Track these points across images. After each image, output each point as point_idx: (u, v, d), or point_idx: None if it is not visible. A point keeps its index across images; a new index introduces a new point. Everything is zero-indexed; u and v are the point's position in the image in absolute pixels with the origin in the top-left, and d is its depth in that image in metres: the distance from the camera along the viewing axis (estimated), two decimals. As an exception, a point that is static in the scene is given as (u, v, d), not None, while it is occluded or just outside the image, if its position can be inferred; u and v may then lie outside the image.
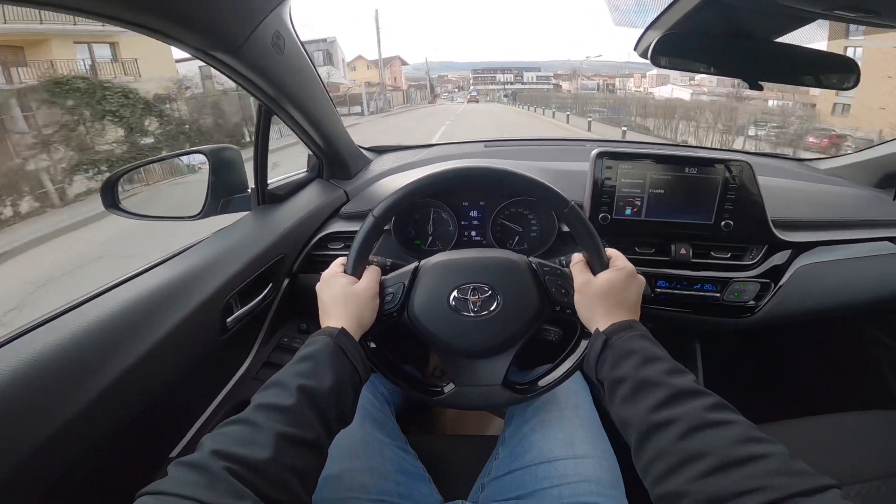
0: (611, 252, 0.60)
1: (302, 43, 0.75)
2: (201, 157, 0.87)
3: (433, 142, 1.27)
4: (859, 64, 0.67)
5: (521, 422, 0.71)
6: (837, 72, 0.67)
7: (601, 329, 0.53)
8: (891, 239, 0.96)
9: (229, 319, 0.76)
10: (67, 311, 0.57)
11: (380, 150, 1.23)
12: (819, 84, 0.70)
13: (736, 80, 0.75)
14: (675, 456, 0.38)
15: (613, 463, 0.65)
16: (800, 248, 0.89)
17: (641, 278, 0.58)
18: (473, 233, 0.92)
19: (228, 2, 0.53)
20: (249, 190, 0.91)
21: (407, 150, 1.27)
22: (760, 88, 0.68)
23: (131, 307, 0.60)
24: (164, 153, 0.90)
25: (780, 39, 0.66)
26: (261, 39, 0.61)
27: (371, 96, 28.14)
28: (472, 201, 0.91)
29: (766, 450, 0.35)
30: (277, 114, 0.82)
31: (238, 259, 0.78)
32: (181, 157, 0.95)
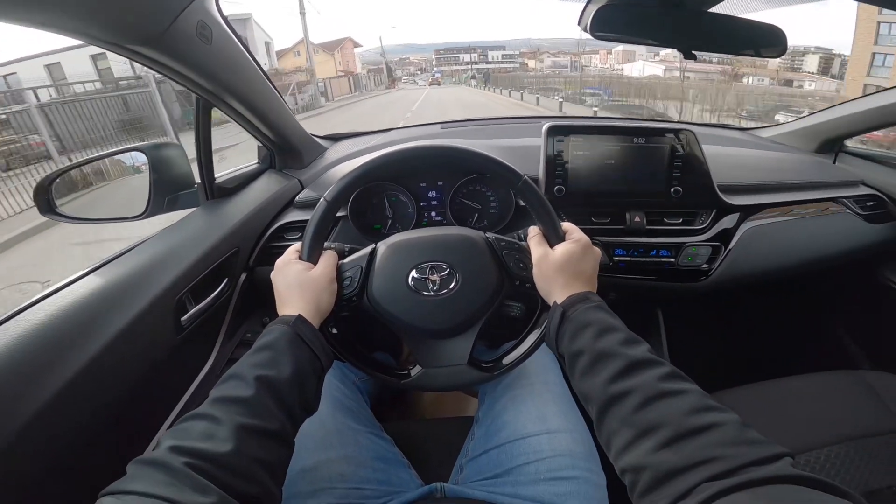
0: (567, 225, 0.60)
1: (235, 32, 0.72)
2: (141, 156, 0.84)
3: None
4: (786, 34, 0.70)
5: (492, 400, 0.71)
6: (766, 41, 0.69)
7: (558, 302, 0.53)
8: (833, 199, 1.01)
9: (184, 318, 0.73)
10: (8, 318, 0.54)
11: (335, 138, 1.21)
12: (748, 53, 0.72)
13: (725, 56, 0.76)
14: (632, 428, 0.38)
15: (586, 435, 0.65)
16: (747, 212, 0.93)
17: (597, 250, 0.59)
18: (433, 213, 0.91)
19: None
20: (196, 185, 0.88)
21: (364, 135, 1.25)
22: (694, 58, 0.70)
23: (76, 310, 0.58)
24: (99, 152, 0.85)
25: (713, 10, 0.68)
26: (183, 30, 0.58)
27: (301, 87, 21.47)
28: (429, 182, 0.90)
29: (718, 419, 0.36)
30: (217, 106, 0.79)
31: (187, 256, 0.75)
32: (124, 156, 0.91)
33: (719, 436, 0.34)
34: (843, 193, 1.02)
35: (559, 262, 0.55)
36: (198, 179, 0.88)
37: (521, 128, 1.18)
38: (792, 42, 0.75)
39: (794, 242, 0.96)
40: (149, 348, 0.67)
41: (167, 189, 0.84)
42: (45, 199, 0.78)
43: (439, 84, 64.66)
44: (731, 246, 0.90)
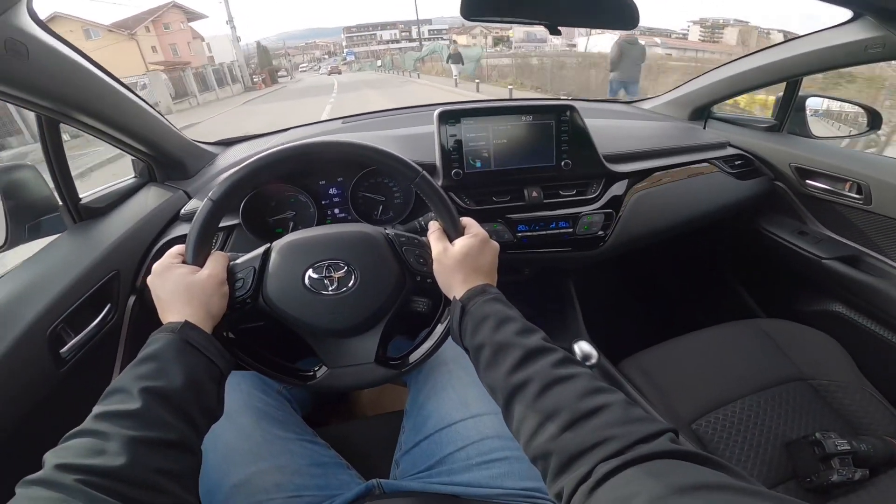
0: (466, 220, 0.61)
1: (69, 44, 0.65)
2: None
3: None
4: (638, 8, 0.75)
5: (416, 391, 0.71)
6: (619, 15, 0.74)
7: (458, 296, 0.54)
8: (707, 161, 1.12)
9: (63, 350, 0.66)
10: None
11: (228, 143, 1.13)
12: (607, 26, 0.77)
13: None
14: (535, 416, 0.40)
15: None
16: (634, 178, 1.00)
17: (495, 244, 0.60)
18: (336, 210, 0.89)
19: None
20: (60, 208, 0.79)
21: (260, 137, 1.18)
22: (559, 33, 0.74)
23: None
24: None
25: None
26: None
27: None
28: (328, 179, 0.87)
29: (606, 400, 0.38)
30: (63, 122, 0.70)
31: (55, 284, 0.67)
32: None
33: (608, 417, 0.36)
34: (714, 155, 1.13)
35: (458, 257, 0.56)
36: (59, 202, 0.78)
37: (420, 116, 1.18)
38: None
39: (676, 203, 1.05)
40: (26, 386, 0.61)
41: (26, 216, 0.74)
42: None
43: (340, 72, 50.28)
44: (621, 211, 0.96)
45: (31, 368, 0.61)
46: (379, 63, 52.97)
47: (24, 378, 0.60)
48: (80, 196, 0.80)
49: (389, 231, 0.61)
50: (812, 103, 1.20)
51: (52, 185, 0.78)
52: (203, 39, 43.38)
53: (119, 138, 0.80)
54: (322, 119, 1.28)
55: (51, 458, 0.36)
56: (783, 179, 1.19)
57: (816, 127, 1.20)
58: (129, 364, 0.80)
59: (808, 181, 1.13)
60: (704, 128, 1.24)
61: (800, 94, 1.13)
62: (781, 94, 1.14)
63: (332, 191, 0.88)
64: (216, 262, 0.55)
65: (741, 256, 1.38)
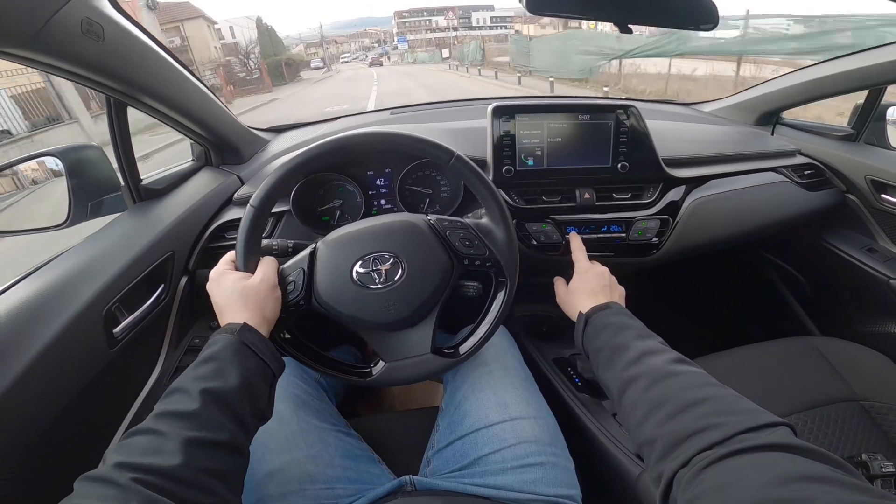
0: (581, 261, 0.71)
1: (141, 27, 0.67)
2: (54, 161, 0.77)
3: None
4: (717, 7, 0.70)
5: (453, 389, 0.70)
6: (700, 15, 0.70)
7: (583, 311, 0.61)
8: (774, 169, 1.05)
9: (116, 330, 0.68)
10: None
11: (279, 130, 1.15)
12: (684, 26, 0.72)
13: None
14: (643, 406, 0.43)
15: (551, 421, 0.66)
16: (693, 184, 0.94)
17: (600, 268, 0.69)
18: (383, 201, 0.88)
19: None
20: (122, 188, 0.82)
21: (309, 126, 1.20)
22: (630, 31, 0.70)
23: None
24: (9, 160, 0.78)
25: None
26: (63, 29, 0.53)
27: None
28: (376, 169, 0.87)
29: (713, 392, 0.40)
30: (130, 104, 0.73)
31: (113, 263, 0.69)
32: (36, 161, 0.84)
33: (716, 406, 0.38)
34: (782, 163, 1.06)
35: (577, 288, 0.66)
36: (122, 182, 0.81)
37: (471, 110, 1.16)
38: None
39: (738, 212, 0.99)
40: (79, 365, 0.62)
41: (89, 194, 0.78)
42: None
43: (381, 65, 45.11)
44: (678, 218, 0.91)
45: (85, 347, 0.63)
46: (445, 54, 42.21)
47: (78, 357, 0.62)
48: (142, 177, 0.82)
49: (431, 217, 0.60)
50: (894, 114, 1.10)
51: (115, 165, 0.81)
52: (213, 23, 32.62)
53: (181, 122, 0.82)
54: (370, 109, 1.28)
55: (112, 456, 0.37)
56: (856, 192, 1.10)
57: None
58: (175, 348, 0.83)
59: (883, 195, 1.05)
60: (773, 134, 1.16)
61: (882, 102, 1.05)
62: (862, 101, 1.06)
63: (380, 181, 0.88)
64: (266, 268, 0.56)
65: (799, 270, 1.30)
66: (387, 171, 0.87)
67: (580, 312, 0.61)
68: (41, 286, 0.62)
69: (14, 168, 0.82)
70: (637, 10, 0.70)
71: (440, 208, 0.88)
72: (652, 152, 0.88)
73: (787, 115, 1.22)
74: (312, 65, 45.72)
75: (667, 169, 0.89)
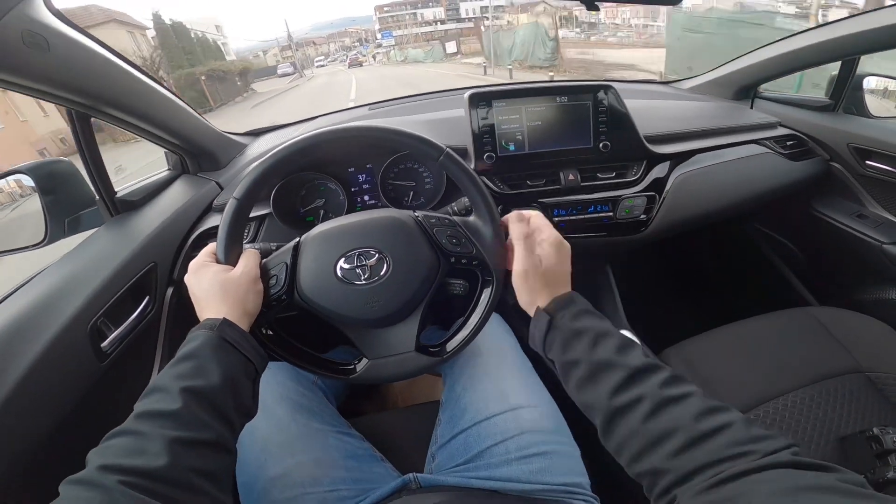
0: (529, 214, 0.56)
1: (91, 36, 0.65)
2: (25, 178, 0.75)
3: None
4: None
5: (452, 382, 0.69)
6: None
7: (542, 307, 0.50)
8: (756, 141, 1.05)
9: (104, 344, 0.67)
10: None
11: (256, 133, 1.14)
12: (648, 1, 0.73)
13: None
14: (644, 437, 0.39)
15: (552, 408, 0.64)
16: (677, 159, 0.94)
17: (568, 245, 0.54)
18: (366, 197, 0.87)
19: None
20: (97, 202, 0.80)
21: (288, 127, 1.18)
22: (597, 9, 0.70)
23: None
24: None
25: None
26: (3, 42, 0.51)
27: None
28: (357, 166, 0.86)
29: (726, 420, 0.37)
30: (94, 116, 0.71)
31: (94, 278, 0.68)
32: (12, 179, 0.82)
33: (731, 436, 0.36)
34: (764, 135, 1.07)
35: (548, 272, 0.51)
36: (96, 196, 0.80)
37: (449, 100, 1.16)
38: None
39: (724, 185, 0.99)
40: (70, 381, 0.61)
41: (64, 211, 0.76)
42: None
43: (360, 65, 39.97)
44: (665, 194, 0.91)
45: (73, 363, 0.62)
46: (452, 48, 32.52)
47: (68, 372, 0.61)
48: (116, 190, 0.81)
49: (419, 213, 0.58)
50: (870, 83, 1.11)
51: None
52: (144, 29, 25.87)
53: (150, 131, 0.81)
54: (350, 106, 1.27)
55: (94, 458, 0.36)
56: (840, 160, 1.11)
57: (875, 106, 1.11)
58: (168, 358, 0.82)
59: (868, 162, 1.06)
60: (752, 107, 1.17)
61: (857, 72, 1.06)
62: (836, 72, 1.07)
63: (362, 178, 0.86)
64: (248, 260, 0.54)
65: (793, 241, 1.30)
66: (368, 166, 0.86)
67: (538, 308, 0.51)
68: (22, 306, 0.60)
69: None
70: None
71: (424, 200, 0.87)
72: (633, 130, 0.87)
73: (765, 88, 1.23)
74: (280, 71, 38.84)
75: (649, 146, 0.89)
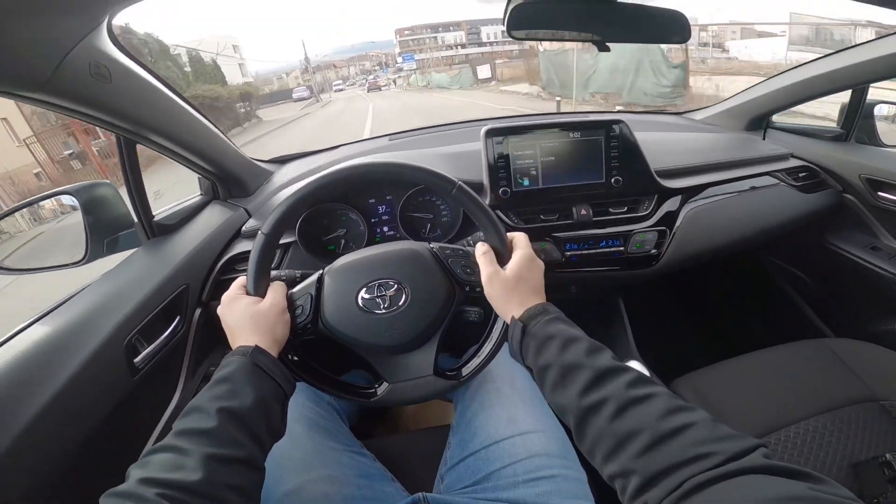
0: (513, 235, 0.61)
1: (145, 66, 0.70)
2: (70, 199, 0.80)
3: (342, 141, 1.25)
4: (688, 18, 0.73)
5: (463, 407, 0.71)
6: (671, 29, 0.72)
7: (516, 316, 0.54)
8: (768, 173, 1.07)
9: (137, 359, 0.71)
10: None
11: (282, 161, 1.19)
12: (657, 40, 0.75)
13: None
14: (611, 437, 0.40)
15: (560, 433, 0.66)
16: (688, 193, 0.96)
17: (540, 262, 0.60)
18: (385, 228, 0.91)
19: (16, 40, 0.48)
20: (135, 224, 0.85)
21: (311, 155, 1.24)
22: (608, 49, 0.73)
23: (22, 362, 0.57)
24: (25, 199, 0.81)
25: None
26: (73, 72, 0.56)
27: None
28: (377, 197, 0.90)
29: (690, 419, 0.37)
30: (139, 142, 0.76)
31: (132, 297, 0.73)
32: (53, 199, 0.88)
33: (695, 435, 0.36)
34: (776, 167, 1.07)
35: (510, 280, 0.56)
36: (135, 219, 0.85)
37: (467, 132, 1.19)
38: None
39: (735, 218, 1.00)
40: (104, 393, 0.65)
41: (105, 231, 0.81)
42: (-23, 253, 0.74)
43: (379, 89, 38.19)
44: (675, 228, 0.93)
45: (109, 376, 0.66)
46: (485, 73, 25.07)
47: (104, 385, 0.65)
48: (154, 214, 0.86)
49: (434, 245, 0.62)
50: (881, 110, 1.12)
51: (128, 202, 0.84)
52: None
53: (188, 157, 0.86)
54: (367, 137, 1.32)
55: (135, 471, 0.38)
56: (852, 192, 1.11)
57: (887, 135, 1.12)
58: (193, 375, 0.85)
59: (880, 193, 1.05)
60: (764, 138, 1.18)
61: (868, 100, 1.06)
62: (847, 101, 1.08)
63: (382, 209, 0.90)
64: (276, 292, 0.58)
65: (806, 273, 1.30)
66: (388, 198, 0.90)
67: (513, 317, 0.54)
68: (66, 320, 0.65)
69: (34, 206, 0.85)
70: (614, 28, 0.73)
71: (441, 232, 0.90)
72: (644, 165, 0.90)
73: (777, 118, 1.24)
74: (295, 95, 36.66)
75: (660, 181, 0.91)
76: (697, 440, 0.35)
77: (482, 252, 0.60)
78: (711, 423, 0.37)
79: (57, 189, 0.80)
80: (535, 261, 0.59)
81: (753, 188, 1.03)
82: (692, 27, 0.72)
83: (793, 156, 1.12)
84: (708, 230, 0.96)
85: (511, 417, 0.66)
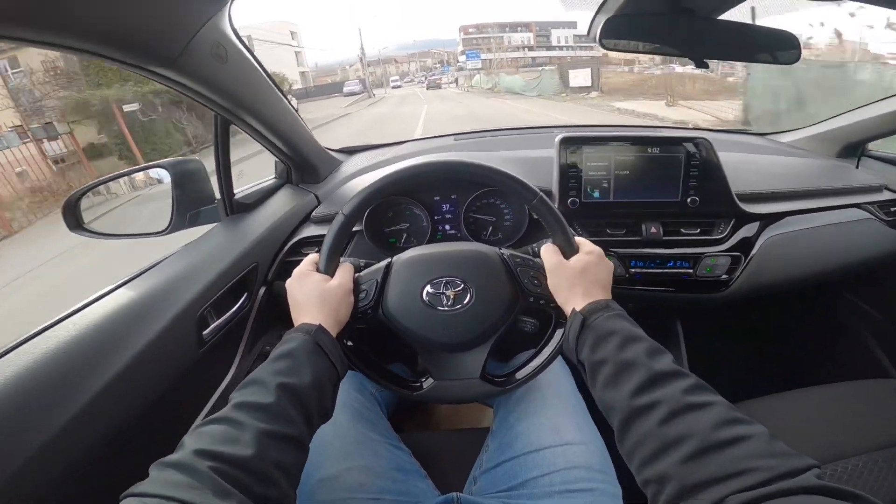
0: (579, 240, 0.61)
1: (250, 49, 0.74)
2: (163, 172, 0.86)
3: (405, 138, 1.27)
4: (800, 39, 0.69)
5: (506, 412, 0.72)
6: (781, 46, 0.68)
7: (577, 309, 0.53)
8: (857, 205, 0.99)
9: (206, 332, 0.75)
10: (35, 335, 0.56)
11: (350, 151, 1.23)
12: (764, 59, 0.71)
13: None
14: (657, 441, 0.38)
15: (601, 447, 0.65)
16: (768, 220, 0.91)
17: (610, 263, 0.59)
18: (447, 226, 0.92)
19: (155, 18, 0.52)
20: (217, 201, 0.91)
21: (377, 148, 1.27)
22: (706, 66, 0.70)
23: (103, 326, 0.59)
24: (122, 169, 0.88)
25: (724, 16, 0.68)
26: (198, 51, 0.60)
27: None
28: (443, 195, 0.91)
29: (746, 431, 0.35)
30: (234, 123, 0.81)
31: (209, 271, 0.77)
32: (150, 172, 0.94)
33: (747, 448, 0.34)
34: (867, 199, 0.99)
35: (576, 270, 0.56)
36: (218, 195, 0.90)
37: (535, 138, 1.18)
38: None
39: (817, 251, 0.94)
40: (173, 362, 0.68)
41: (189, 205, 0.86)
42: (74, 215, 0.81)
43: (439, 87, 36.08)
44: (751, 256, 0.88)
45: (180, 345, 0.69)
46: (582, 80, 19.02)
47: (174, 352, 0.68)
48: (235, 192, 0.91)
49: (505, 251, 0.62)
50: None
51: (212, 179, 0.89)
52: None
53: (273, 141, 0.90)
54: (433, 135, 1.33)
55: (190, 441, 0.39)
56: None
57: None
58: (250, 350, 0.87)
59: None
60: (857, 167, 1.09)
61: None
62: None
63: (446, 207, 0.91)
64: (345, 273, 0.60)
65: (884, 312, 1.20)
66: (453, 197, 0.90)
67: (574, 310, 0.54)
68: (148, 287, 0.69)
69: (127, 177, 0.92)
70: (714, 45, 0.70)
71: (503, 236, 0.90)
72: (724, 186, 0.85)
73: (874, 146, 1.15)
74: (345, 89, 32.59)
75: (741, 204, 0.87)
76: (749, 454, 0.33)
77: (547, 246, 0.61)
78: (769, 438, 0.35)
79: (153, 162, 0.86)
80: (605, 259, 0.59)
81: (841, 221, 0.96)
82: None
83: (887, 188, 1.03)
84: (786, 261, 0.91)
85: (554, 427, 0.66)
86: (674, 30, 0.66)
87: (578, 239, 0.61)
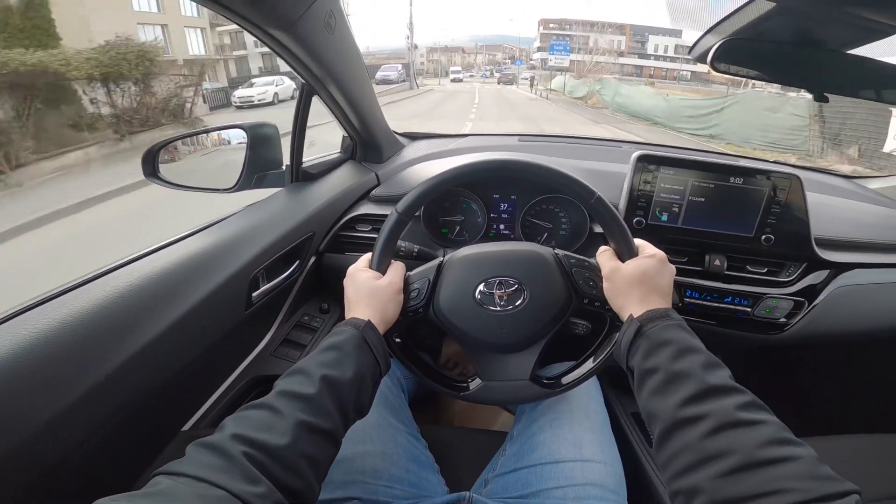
0: (639, 242, 0.59)
1: (346, 23, 0.74)
2: (234, 133, 0.88)
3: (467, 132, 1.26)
4: None
5: (530, 420, 0.72)
6: None
7: (635, 315, 0.52)
8: None
9: (255, 294, 0.77)
10: (96, 277, 0.58)
11: (413, 136, 1.23)
12: (888, 99, 0.66)
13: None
14: (697, 453, 0.37)
15: (619, 469, 0.65)
16: (840, 269, 0.86)
17: (672, 267, 0.57)
18: (502, 226, 0.91)
19: None
20: (284, 167, 0.93)
21: (440, 138, 1.26)
22: (826, 100, 0.65)
23: (160, 277, 0.60)
24: (204, 126, 0.90)
25: (854, 51, 0.62)
26: (314, 18, 0.61)
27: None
28: (503, 194, 0.90)
29: (793, 452, 0.34)
30: (319, 93, 0.82)
31: (268, 234, 0.79)
32: (220, 132, 0.97)
33: (790, 469, 0.33)
34: None
35: (634, 275, 0.54)
36: (286, 161, 0.92)
37: (602, 151, 1.14)
38: None
39: (886, 308, 0.88)
40: (222, 319, 0.70)
41: (258, 167, 0.89)
42: (151, 164, 0.85)
43: (511, 83, 32.37)
44: (815, 303, 0.84)
45: (230, 303, 0.71)
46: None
47: (224, 311, 0.70)
48: (303, 161, 0.92)
49: (559, 252, 0.61)
50: None
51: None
52: None
53: (348, 115, 0.91)
54: (497, 133, 1.30)
55: (230, 424, 0.39)
56: None
57: None
58: (288, 319, 0.85)
59: None
60: None
61: None
62: None
63: (503, 206, 0.90)
64: (395, 272, 0.60)
65: None
66: (512, 198, 0.89)
67: (631, 316, 0.52)
68: (210, 242, 0.70)
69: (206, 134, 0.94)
70: (839, 79, 0.65)
71: (556, 245, 0.89)
72: (805, 229, 0.81)
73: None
74: (378, 75, 25.77)
75: (817, 249, 0.82)
76: (790, 475, 0.32)
77: (604, 250, 0.59)
78: (816, 461, 0.34)
79: (232, 123, 0.88)
80: (666, 264, 0.56)
81: None
82: None
83: None
84: (854, 312, 0.86)
85: (577, 442, 0.65)
86: (795, 60, 0.61)
87: (639, 241, 0.59)
